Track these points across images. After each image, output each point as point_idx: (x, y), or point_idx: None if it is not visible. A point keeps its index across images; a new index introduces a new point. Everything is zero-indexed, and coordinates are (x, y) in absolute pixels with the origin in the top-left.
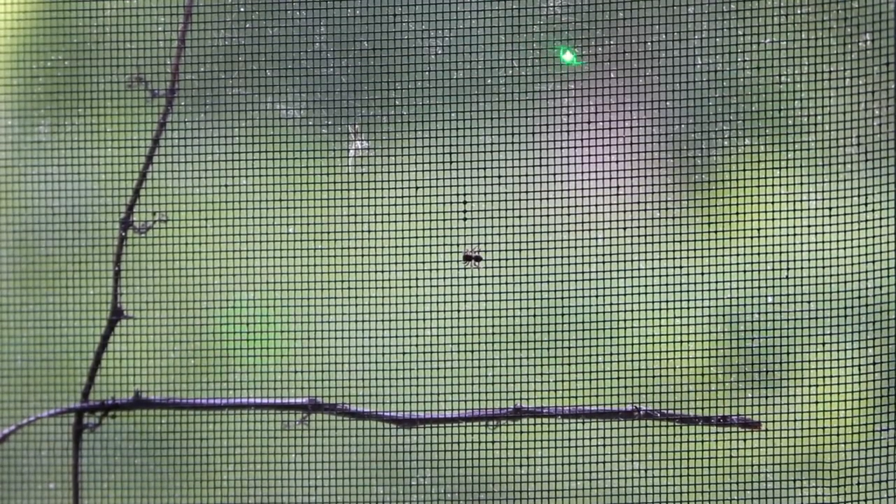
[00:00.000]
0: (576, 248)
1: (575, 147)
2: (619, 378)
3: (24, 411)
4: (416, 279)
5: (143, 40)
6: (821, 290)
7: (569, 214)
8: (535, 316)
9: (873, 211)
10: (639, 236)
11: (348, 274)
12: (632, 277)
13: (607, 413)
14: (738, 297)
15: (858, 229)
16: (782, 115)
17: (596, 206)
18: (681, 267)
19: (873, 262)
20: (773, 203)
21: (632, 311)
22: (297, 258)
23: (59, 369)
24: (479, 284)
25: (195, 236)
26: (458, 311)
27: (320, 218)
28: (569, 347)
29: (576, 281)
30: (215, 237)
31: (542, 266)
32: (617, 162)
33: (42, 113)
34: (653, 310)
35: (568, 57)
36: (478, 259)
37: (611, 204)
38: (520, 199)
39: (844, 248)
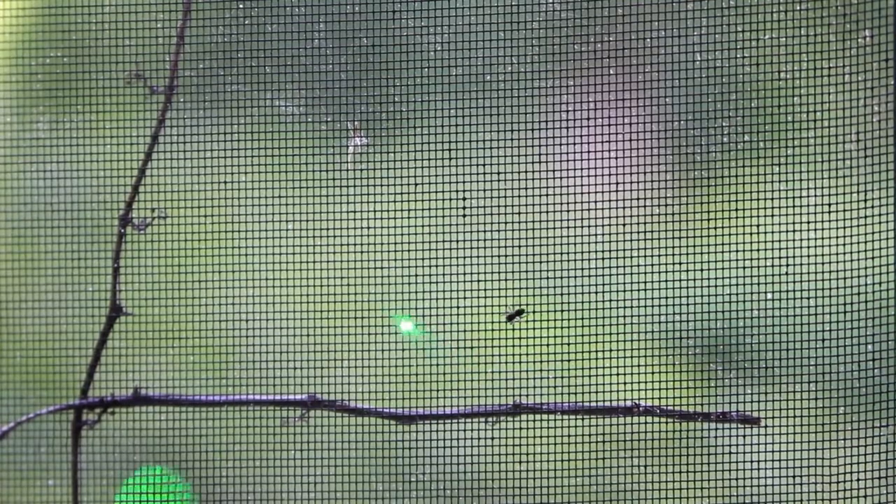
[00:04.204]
0: (575, 244)
1: (574, 144)
2: (618, 374)
3: (23, 408)
4: (416, 276)
5: (141, 37)
6: (820, 287)
7: (568, 211)
8: (534, 312)
9: (872, 207)
10: (638, 232)
11: (347, 270)
12: (631, 274)
13: (607, 409)
14: (736, 294)
15: (857, 226)
16: (781, 112)
17: (595, 202)
18: (680, 263)
19: (872, 258)
20: (772, 199)
21: (631, 307)
22: (296, 255)
23: (58, 366)
24: (478, 281)
25: (194, 233)
26: (458, 307)
27: (319, 214)
28: (568, 343)
29: (575, 277)
30: (214, 234)
31: (541, 262)
32: (616, 158)
33: (41, 109)
34: (652, 306)
35: (406, 326)
36: (520, 313)
37: (610, 200)
38: (519, 196)
39: (843, 245)
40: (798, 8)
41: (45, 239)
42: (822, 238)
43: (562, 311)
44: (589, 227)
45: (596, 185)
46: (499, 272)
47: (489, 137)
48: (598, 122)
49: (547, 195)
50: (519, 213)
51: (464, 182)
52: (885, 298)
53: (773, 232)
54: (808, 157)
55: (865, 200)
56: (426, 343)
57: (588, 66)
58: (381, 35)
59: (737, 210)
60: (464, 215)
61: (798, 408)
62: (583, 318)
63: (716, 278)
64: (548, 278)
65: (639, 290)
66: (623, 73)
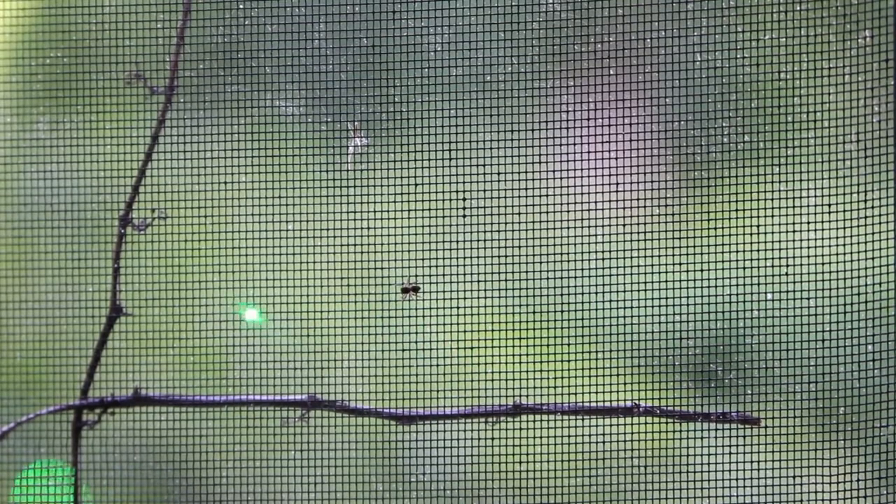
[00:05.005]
0: (575, 244)
1: (574, 144)
2: (618, 374)
3: (23, 408)
4: (416, 276)
5: (141, 37)
6: (820, 287)
7: (568, 211)
8: (534, 312)
9: (872, 208)
10: (639, 233)
11: (347, 271)
12: (631, 274)
13: (607, 410)
14: (737, 294)
15: (858, 226)
16: (781, 112)
17: (595, 203)
18: (680, 263)
19: (873, 258)
20: (772, 200)
21: (631, 307)
22: (296, 255)
23: (58, 366)
24: (478, 281)
25: (194, 233)
26: (458, 307)
27: (319, 215)
28: (568, 344)
29: (575, 277)
30: (214, 234)
31: (541, 262)
32: (616, 159)
33: (41, 110)
34: (652, 306)
35: (251, 315)
36: (416, 290)
37: (611, 200)
38: (519, 196)
39: (844, 245)
40: (798, 8)
41: (45, 239)
42: (822, 238)
43: (562, 311)
44: (590, 227)
45: (597, 185)
46: (499, 272)
47: (489, 137)
48: (599, 123)
49: (547, 195)
50: (519, 214)
51: (464, 182)
52: (885, 298)
53: (773, 232)
54: (808, 157)
55: (865, 200)
56: (268, 329)
57: (588, 66)
58: (381, 35)
59: (737, 210)
60: (464, 215)
61: (798, 408)
62: (583, 318)
63: (716, 278)
64: (548, 278)
65: (639, 291)
66: (623, 73)
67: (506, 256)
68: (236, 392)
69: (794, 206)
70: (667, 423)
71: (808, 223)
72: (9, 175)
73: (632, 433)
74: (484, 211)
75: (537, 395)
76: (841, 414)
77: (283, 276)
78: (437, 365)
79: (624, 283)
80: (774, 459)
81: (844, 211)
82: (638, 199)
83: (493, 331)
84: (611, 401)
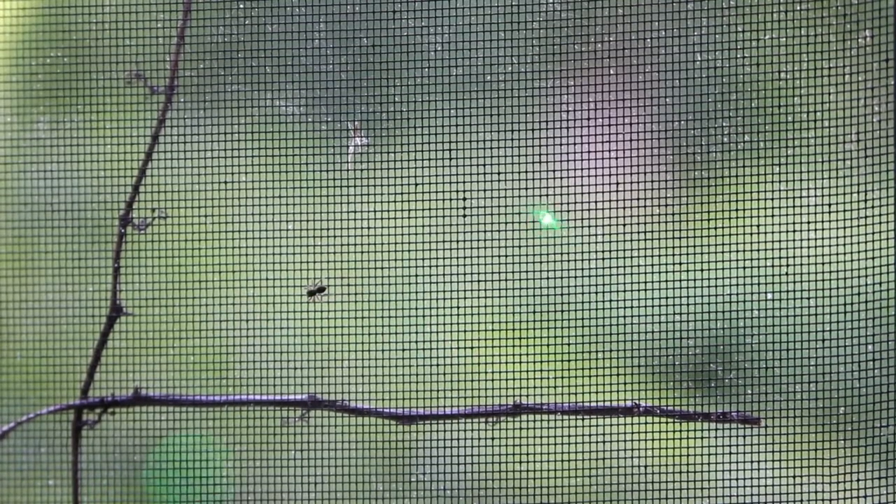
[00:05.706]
0: (575, 244)
1: (574, 144)
2: (618, 374)
3: (23, 408)
4: (416, 276)
5: (142, 37)
6: (820, 287)
7: (568, 211)
8: (534, 312)
9: (873, 207)
10: (638, 232)
11: (347, 270)
12: (631, 274)
13: (607, 409)
14: (737, 294)
15: (858, 226)
16: (782, 112)
17: (595, 202)
18: (680, 263)
19: (873, 258)
20: (772, 200)
21: (631, 307)
22: (296, 255)
23: (59, 366)
24: (478, 281)
25: (194, 233)
26: (458, 307)
27: (319, 215)
28: (568, 344)
29: (575, 277)
30: (214, 234)
31: (541, 262)
32: (616, 159)
33: (41, 109)
34: (652, 306)
35: (548, 220)
36: (321, 290)
37: (610, 200)
38: (519, 196)
39: (844, 245)
40: (798, 8)
41: (45, 239)
42: (822, 238)
43: (562, 310)
44: (589, 227)
45: (596, 185)
46: (499, 272)
47: (489, 137)
48: (599, 123)
49: (547, 195)
50: (519, 214)
51: (464, 182)
52: (885, 298)
53: (773, 232)
54: (808, 157)
55: (865, 200)
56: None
57: (588, 66)
58: (381, 35)
59: (737, 210)
60: (464, 215)
61: (798, 408)
62: (583, 318)
63: (716, 278)
64: (548, 278)
65: (639, 290)
66: (623, 73)
67: (506, 256)
68: (236, 392)
69: (794, 206)
70: (667, 423)
71: (808, 223)
72: (9, 175)
73: (632, 433)
74: (484, 211)
75: (537, 395)
76: (841, 414)
77: (283, 275)
78: (437, 365)
79: (624, 283)
80: (774, 459)
81: (844, 211)
82: (638, 199)
83: (493, 331)
84: (611, 401)
